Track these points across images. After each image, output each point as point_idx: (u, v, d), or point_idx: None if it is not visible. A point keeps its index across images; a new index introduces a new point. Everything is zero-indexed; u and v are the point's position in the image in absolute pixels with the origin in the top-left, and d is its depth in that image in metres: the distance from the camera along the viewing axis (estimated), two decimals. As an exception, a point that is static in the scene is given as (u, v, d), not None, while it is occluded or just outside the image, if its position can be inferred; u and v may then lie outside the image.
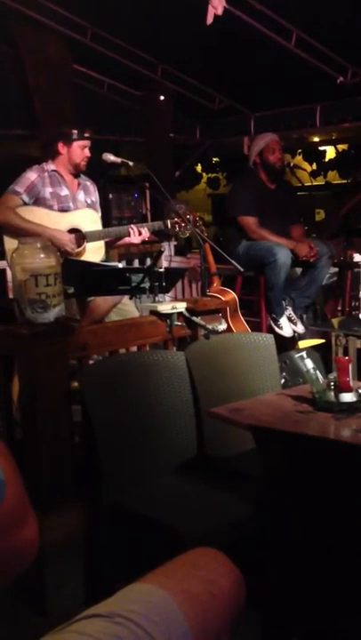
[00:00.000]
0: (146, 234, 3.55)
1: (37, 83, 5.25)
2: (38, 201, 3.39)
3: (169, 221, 3.56)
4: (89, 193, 3.61)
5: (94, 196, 3.65)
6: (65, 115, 5.10)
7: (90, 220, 3.48)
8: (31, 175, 3.39)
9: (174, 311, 2.78)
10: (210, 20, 3.86)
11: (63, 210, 3.43)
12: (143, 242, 3.75)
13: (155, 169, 4.42)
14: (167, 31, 4.87)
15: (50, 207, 3.40)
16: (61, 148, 3.45)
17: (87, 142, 3.47)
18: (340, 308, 4.82)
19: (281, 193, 4.56)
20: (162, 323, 2.80)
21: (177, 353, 2.65)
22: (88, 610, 0.95)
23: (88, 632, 0.91)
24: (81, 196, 3.55)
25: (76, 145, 3.44)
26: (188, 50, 5.13)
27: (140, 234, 3.53)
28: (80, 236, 3.40)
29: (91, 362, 2.72)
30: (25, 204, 3.35)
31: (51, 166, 3.45)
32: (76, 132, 3.44)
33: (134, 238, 3.53)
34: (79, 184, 3.56)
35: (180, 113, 6.33)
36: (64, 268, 2.76)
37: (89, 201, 3.59)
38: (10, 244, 3.28)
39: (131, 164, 3.55)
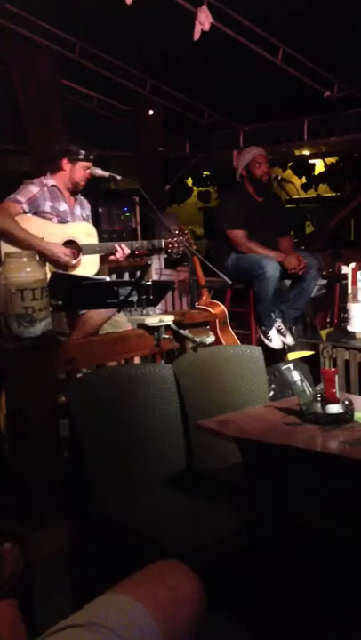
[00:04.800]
0: (127, 251, 3.55)
1: (26, 99, 5.28)
2: (37, 214, 3.41)
3: (163, 241, 3.58)
4: (84, 208, 3.67)
5: (88, 211, 3.71)
6: (55, 130, 5.13)
7: (86, 233, 3.50)
8: (33, 188, 3.41)
9: (161, 324, 2.79)
10: (197, 35, 3.92)
11: (62, 223, 3.46)
12: (133, 255, 3.76)
13: (145, 183, 4.46)
14: (155, 47, 4.91)
15: (49, 220, 3.43)
16: (65, 164, 3.48)
17: (90, 164, 3.51)
18: (329, 320, 4.84)
19: (269, 206, 4.58)
20: (149, 336, 2.80)
21: (165, 366, 2.64)
22: (61, 622, 0.97)
23: None
24: (78, 210, 3.60)
25: (80, 165, 3.48)
26: (177, 65, 5.17)
27: (123, 251, 3.54)
28: (76, 249, 3.42)
29: (79, 375, 2.72)
30: (25, 213, 3.37)
31: (50, 181, 3.48)
32: (83, 152, 3.48)
33: (120, 255, 3.53)
34: (75, 199, 3.60)
35: (170, 127, 6.37)
36: (52, 281, 2.77)
37: (84, 215, 3.65)
38: (5, 249, 3.28)
39: (119, 177, 3.58)
